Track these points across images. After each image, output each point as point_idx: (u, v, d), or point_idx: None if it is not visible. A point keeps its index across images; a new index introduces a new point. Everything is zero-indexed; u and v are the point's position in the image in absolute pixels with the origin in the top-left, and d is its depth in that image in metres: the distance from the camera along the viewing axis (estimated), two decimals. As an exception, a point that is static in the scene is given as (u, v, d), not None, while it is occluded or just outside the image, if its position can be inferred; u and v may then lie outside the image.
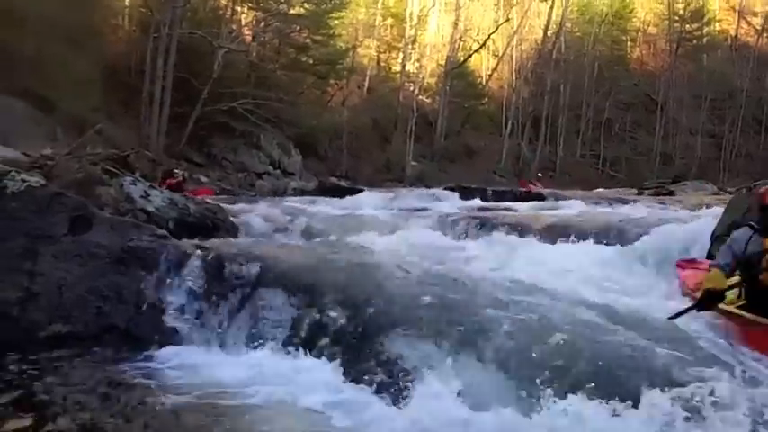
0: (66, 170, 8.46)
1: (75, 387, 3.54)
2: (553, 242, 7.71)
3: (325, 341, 3.96)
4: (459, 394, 3.33)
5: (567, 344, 3.53)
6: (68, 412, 3.22)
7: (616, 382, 3.20)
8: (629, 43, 49.92)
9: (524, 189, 23.26)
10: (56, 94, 18.90)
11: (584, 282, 5.23)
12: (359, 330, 3.94)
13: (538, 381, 3.27)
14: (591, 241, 7.62)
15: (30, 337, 4.23)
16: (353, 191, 20.34)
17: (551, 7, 42.00)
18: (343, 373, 3.71)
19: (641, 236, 7.12)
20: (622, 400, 3.01)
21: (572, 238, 7.73)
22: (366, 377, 3.61)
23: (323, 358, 3.87)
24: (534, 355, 3.47)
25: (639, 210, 11.78)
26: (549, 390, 3.18)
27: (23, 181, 4.93)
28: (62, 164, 8.60)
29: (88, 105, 20.22)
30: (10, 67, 18.37)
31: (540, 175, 30.55)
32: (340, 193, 19.62)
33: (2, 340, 4.17)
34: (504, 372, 3.43)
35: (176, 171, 19.56)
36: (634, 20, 49.63)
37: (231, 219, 9.13)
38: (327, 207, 13.28)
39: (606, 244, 7.53)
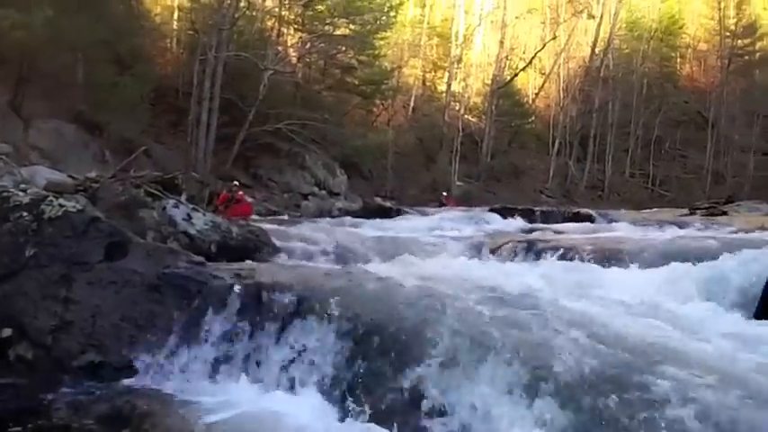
0: (111, 193, 8.49)
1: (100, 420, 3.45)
2: (604, 266, 7.33)
3: (354, 380, 3.74)
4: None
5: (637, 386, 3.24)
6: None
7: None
8: (678, 60, 48.90)
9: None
10: (105, 117, 19.27)
11: (641, 313, 4.84)
12: (387, 366, 3.73)
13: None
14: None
15: (62, 367, 4.17)
16: (398, 212, 20.22)
17: (599, 24, 41.51)
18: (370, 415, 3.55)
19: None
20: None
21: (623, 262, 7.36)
22: (393, 419, 3.43)
23: (350, 398, 3.66)
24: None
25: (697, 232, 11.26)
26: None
27: (60, 206, 4.90)
28: (106, 186, 8.64)
29: (137, 128, 20.59)
30: (61, 92, 18.82)
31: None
32: (384, 213, 19.50)
33: (34, 369, 4.13)
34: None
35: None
36: (684, 36, 48.60)
37: (274, 241, 9.04)
38: (370, 229, 13.14)
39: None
